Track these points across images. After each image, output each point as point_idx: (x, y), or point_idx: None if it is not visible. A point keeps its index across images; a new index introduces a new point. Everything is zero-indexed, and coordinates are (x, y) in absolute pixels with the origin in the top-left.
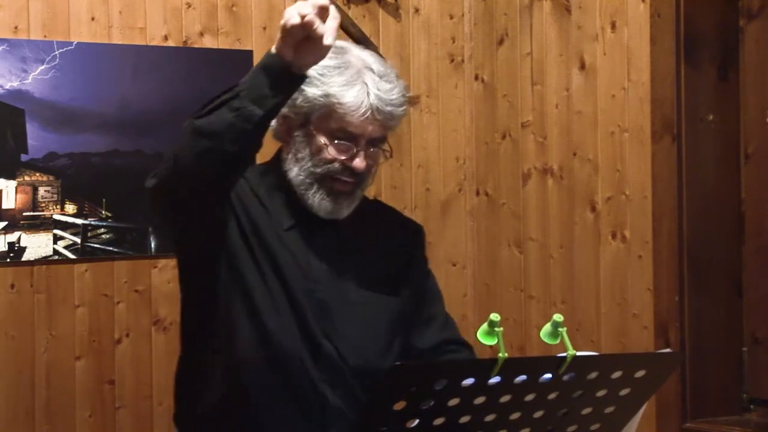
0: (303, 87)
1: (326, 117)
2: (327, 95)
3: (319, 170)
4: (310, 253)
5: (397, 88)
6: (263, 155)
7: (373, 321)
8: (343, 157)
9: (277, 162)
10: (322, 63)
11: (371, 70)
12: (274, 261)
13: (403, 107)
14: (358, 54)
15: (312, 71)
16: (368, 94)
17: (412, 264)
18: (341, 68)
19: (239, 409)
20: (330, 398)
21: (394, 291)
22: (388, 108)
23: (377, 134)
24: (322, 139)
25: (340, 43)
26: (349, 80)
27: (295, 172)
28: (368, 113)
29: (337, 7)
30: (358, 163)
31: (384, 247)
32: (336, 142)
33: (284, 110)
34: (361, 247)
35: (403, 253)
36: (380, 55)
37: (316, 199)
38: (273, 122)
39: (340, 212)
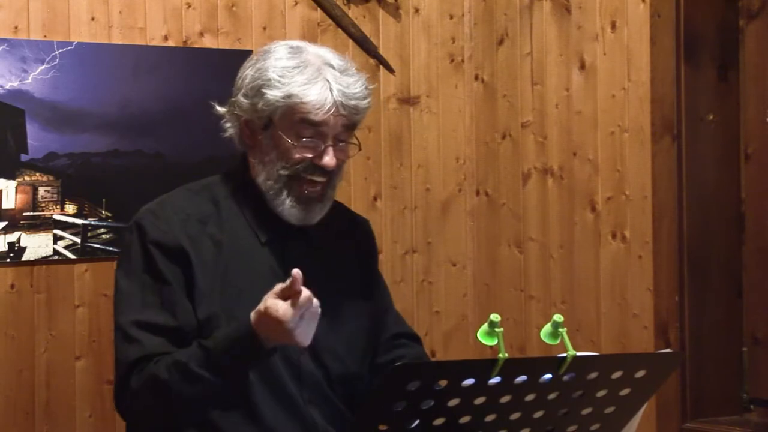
0: (264, 90)
1: (290, 117)
2: (289, 95)
3: (287, 172)
4: (288, 268)
5: (360, 81)
6: None
7: (351, 328)
8: (310, 155)
9: (242, 169)
10: (281, 65)
11: (331, 66)
12: (249, 281)
13: (367, 100)
14: (315, 51)
15: (271, 73)
16: (331, 90)
17: (366, 260)
18: (300, 67)
19: None
20: (318, 421)
21: (364, 294)
22: (353, 102)
23: (344, 129)
24: (288, 139)
25: (296, 42)
26: (311, 78)
27: (263, 177)
28: (333, 109)
29: (338, 6)
30: (328, 160)
31: (347, 249)
32: (303, 140)
33: (246, 115)
34: (331, 254)
35: (359, 251)
36: (383, 60)
37: (286, 206)
38: (234, 130)
39: (311, 219)
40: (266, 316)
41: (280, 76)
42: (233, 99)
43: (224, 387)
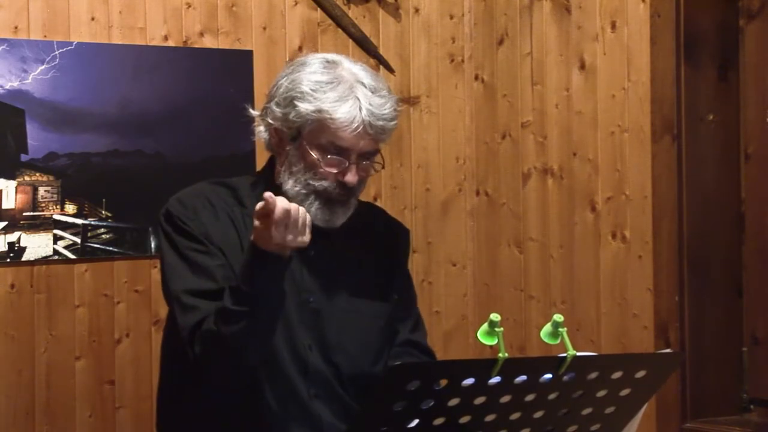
0: (296, 102)
1: (318, 132)
2: (319, 110)
3: (316, 184)
4: (304, 265)
5: (389, 103)
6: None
7: (366, 329)
8: (335, 171)
9: (270, 173)
10: (315, 78)
11: (363, 84)
12: None
13: (394, 121)
14: (349, 68)
15: (305, 87)
16: (360, 109)
17: (396, 267)
18: (333, 83)
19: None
20: (323, 415)
21: (384, 297)
22: (380, 122)
23: (369, 148)
24: (314, 154)
25: (332, 56)
26: (342, 95)
27: (290, 184)
28: (360, 128)
29: (338, 6)
30: (350, 178)
31: (374, 252)
32: (328, 156)
33: (276, 124)
34: (353, 255)
35: (389, 257)
36: (383, 60)
37: (313, 209)
38: (265, 134)
39: (335, 221)
40: (256, 235)
41: (312, 90)
42: (266, 105)
43: (261, 314)
